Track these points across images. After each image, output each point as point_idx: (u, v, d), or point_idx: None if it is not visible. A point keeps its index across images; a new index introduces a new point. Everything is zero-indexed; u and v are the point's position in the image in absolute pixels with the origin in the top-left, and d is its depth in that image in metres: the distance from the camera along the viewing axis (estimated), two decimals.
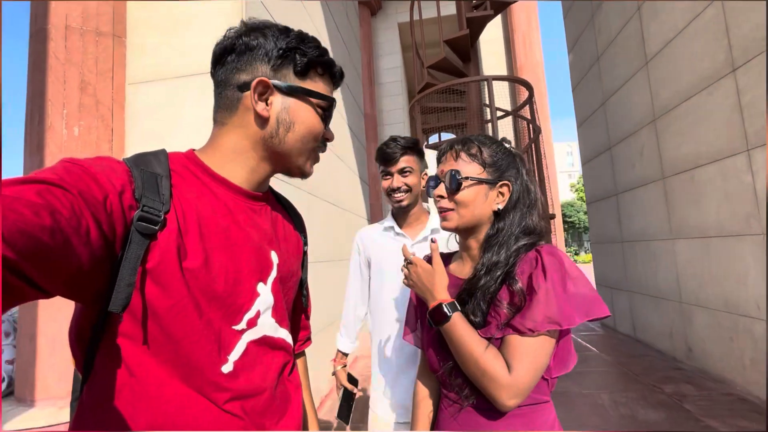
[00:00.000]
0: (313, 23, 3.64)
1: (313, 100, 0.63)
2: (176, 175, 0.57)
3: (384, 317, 1.26)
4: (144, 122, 2.12)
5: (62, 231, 0.38)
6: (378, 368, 1.28)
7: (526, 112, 4.61)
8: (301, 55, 0.61)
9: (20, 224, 0.33)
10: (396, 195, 1.25)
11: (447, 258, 0.92)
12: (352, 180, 4.87)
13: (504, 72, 8.48)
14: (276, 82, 0.60)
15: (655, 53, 3.65)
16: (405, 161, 1.24)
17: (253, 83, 0.58)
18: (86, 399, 0.53)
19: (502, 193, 0.79)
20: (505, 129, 4.83)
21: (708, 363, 3.16)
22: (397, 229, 1.29)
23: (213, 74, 0.64)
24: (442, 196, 0.80)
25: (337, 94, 4.40)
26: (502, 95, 4.18)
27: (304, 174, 0.68)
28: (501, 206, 0.79)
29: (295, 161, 0.65)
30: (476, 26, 4.12)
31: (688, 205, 3.33)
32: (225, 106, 0.62)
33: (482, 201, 0.78)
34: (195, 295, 0.54)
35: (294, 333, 0.81)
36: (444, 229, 0.82)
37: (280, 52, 0.60)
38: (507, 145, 0.85)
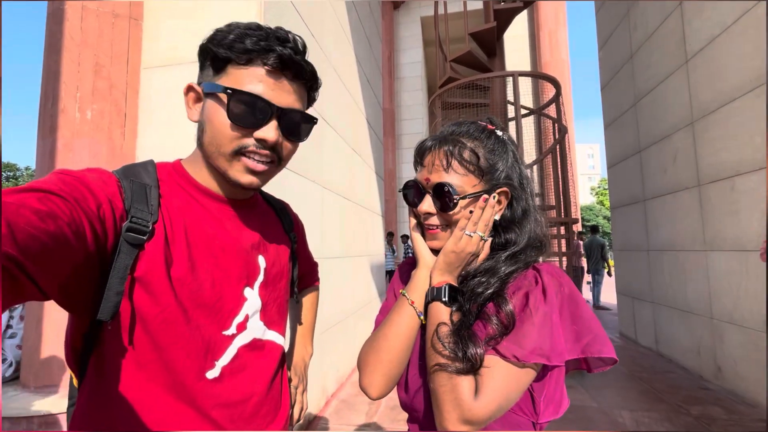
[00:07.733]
0: (335, 14, 3.53)
1: (220, 95, 0.55)
2: (164, 185, 0.58)
3: None
4: (157, 108, 2.06)
5: (63, 235, 0.40)
6: None
7: (551, 111, 4.41)
8: (210, 51, 0.57)
9: (28, 227, 0.36)
10: None
11: None
12: (367, 175, 4.77)
13: (527, 70, 8.22)
14: (199, 84, 0.59)
15: (696, 51, 3.40)
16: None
17: (184, 88, 0.58)
18: (78, 407, 0.55)
19: (499, 201, 0.65)
20: (528, 128, 4.64)
21: (740, 385, 2.95)
22: None
23: None
24: (430, 213, 0.66)
25: (355, 87, 4.29)
26: (524, 93, 4.00)
27: (235, 183, 0.58)
28: (498, 216, 0.65)
29: (218, 167, 0.58)
30: (503, 19, 3.95)
31: (726, 215, 3.10)
32: None
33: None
34: (182, 302, 0.54)
35: (301, 282, 0.88)
36: (431, 248, 0.68)
37: (199, 53, 0.58)
38: (499, 132, 0.67)
